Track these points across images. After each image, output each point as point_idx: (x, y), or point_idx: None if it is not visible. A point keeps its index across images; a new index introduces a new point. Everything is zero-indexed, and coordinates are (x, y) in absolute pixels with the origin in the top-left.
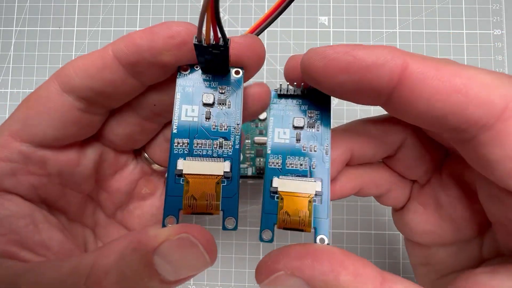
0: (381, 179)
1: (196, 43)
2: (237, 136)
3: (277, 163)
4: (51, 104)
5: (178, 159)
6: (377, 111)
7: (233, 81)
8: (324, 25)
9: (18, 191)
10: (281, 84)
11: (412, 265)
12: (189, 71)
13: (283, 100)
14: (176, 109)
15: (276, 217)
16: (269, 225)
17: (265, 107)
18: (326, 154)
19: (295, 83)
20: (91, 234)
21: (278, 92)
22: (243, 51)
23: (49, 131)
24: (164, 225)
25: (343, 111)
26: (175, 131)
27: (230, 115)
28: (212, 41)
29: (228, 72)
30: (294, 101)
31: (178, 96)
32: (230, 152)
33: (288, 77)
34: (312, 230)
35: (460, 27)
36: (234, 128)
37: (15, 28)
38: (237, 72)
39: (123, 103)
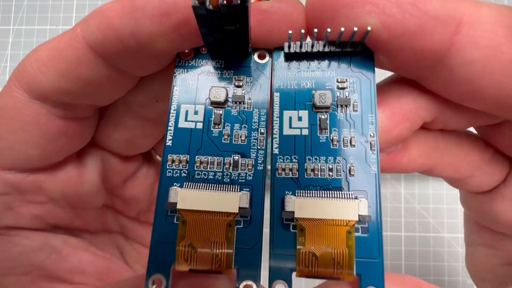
0: (465, 159)
1: (197, 5)
2: (260, 152)
3: (290, 171)
4: (22, 117)
5: (172, 186)
6: None
7: (256, 68)
8: None
9: (22, 225)
10: (290, 35)
11: (468, 243)
12: (192, 56)
13: (294, 64)
14: (171, 111)
15: (295, 260)
16: (284, 273)
17: (280, 38)
18: (371, 149)
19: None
20: (121, 237)
21: (286, 51)
22: (274, 22)
23: (32, 151)
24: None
25: None
26: (169, 143)
27: (251, 119)
28: (221, 1)
29: (248, 55)
30: (313, 63)
31: (175, 92)
32: (250, 176)
33: (315, 17)
34: (355, 277)
35: None
36: (257, 140)
37: (12, 27)
38: (261, 56)
39: (115, 99)
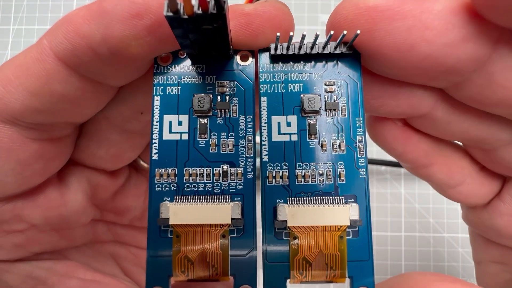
0: (459, 164)
1: (170, 14)
2: (249, 160)
3: (280, 178)
4: None
5: (162, 201)
6: None
7: (239, 71)
8: (325, 23)
9: (2, 258)
10: (278, 36)
11: (477, 261)
12: (171, 61)
13: (280, 66)
14: (154, 123)
15: (288, 268)
16: (278, 281)
17: (264, 41)
18: (360, 153)
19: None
20: (114, 245)
21: (273, 53)
22: (258, 26)
23: (6, 178)
24: None
25: None
26: (155, 157)
27: (237, 126)
28: (197, 9)
29: (230, 57)
30: (299, 65)
31: (156, 102)
32: (240, 185)
33: (346, 27)
34: (347, 280)
35: None
36: (245, 148)
37: (12, 27)
38: (244, 58)
39: (93, 114)
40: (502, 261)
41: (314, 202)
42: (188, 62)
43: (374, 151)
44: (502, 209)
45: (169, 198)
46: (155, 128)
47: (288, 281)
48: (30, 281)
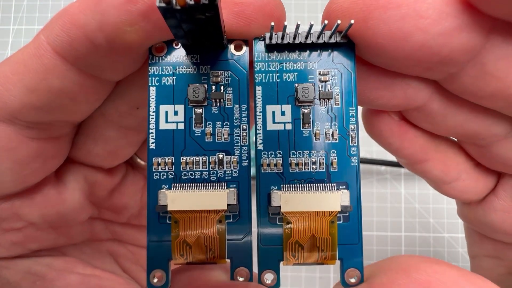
0: (455, 160)
1: (162, 5)
2: (244, 148)
3: (275, 166)
4: None
5: (160, 189)
6: None
7: (234, 61)
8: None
9: (1, 255)
10: (273, 26)
11: (472, 255)
12: (165, 51)
13: (275, 55)
14: (151, 113)
15: (282, 251)
16: (271, 263)
17: (257, 30)
18: (352, 142)
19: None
20: (112, 243)
21: (268, 42)
22: (251, 14)
23: (4, 177)
24: (149, 283)
25: None
26: (152, 146)
27: (232, 116)
28: (188, 0)
29: (224, 47)
30: (294, 55)
31: (152, 93)
32: (235, 173)
33: (342, 16)
34: (337, 262)
35: None
36: (239, 136)
37: (12, 27)
38: (238, 47)
39: (91, 111)
40: (496, 256)
41: (307, 188)
42: (182, 52)
43: (374, 151)
44: (497, 205)
45: (167, 186)
46: (152, 118)
47: (281, 263)
48: (30, 276)
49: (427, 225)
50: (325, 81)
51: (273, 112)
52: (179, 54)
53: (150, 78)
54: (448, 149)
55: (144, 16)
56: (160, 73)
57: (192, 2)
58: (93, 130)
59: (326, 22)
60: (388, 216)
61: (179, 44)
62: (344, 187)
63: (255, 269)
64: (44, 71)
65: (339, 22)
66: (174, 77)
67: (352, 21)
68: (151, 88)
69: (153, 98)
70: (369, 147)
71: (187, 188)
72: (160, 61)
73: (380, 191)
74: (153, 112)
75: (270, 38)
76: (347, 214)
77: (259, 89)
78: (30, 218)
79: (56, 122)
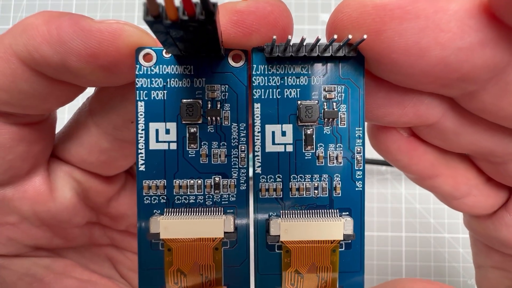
0: (465, 175)
1: (150, 19)
2: (242, 171)
3: (274, 191)
4: None
5: (152, 214)
6: None
7: (231, 74)
8: (326, 22)
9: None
10: (274, 40)
11: (478, 265)
12: (154, 61)
13: (276, 68)
14: (139, 131)
15: (280, 279)
16: None
17: (258, 40)
18: (358, 165)
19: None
20: (111, 249)
21: (268, 55)
22: (251, 24)
23: None
24: None
25: None
26: (142, 168)
27: (229, 135)
28: (182, 14)
29: (221, 57)
30: (297, 68)
31: (140, 108)
32: (233, 197)
33: (350, 28)
34: None
35: None
36: (237, 158)
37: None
38: (236, 58)
39: (70, 102)
40: (503, 268)
41: (308, 215)
42: (173, 62)
43: (375, 151)
44: (508, 220)
45: (159, 211)
46: (141, 137)
47: None
48: (27, 278)
49: (428, 225)
50: (331, 99)
51: (273, 132)
52: (170, 63)
53: (137, 92)
54: (459, 164)
55: (106, 70)
56: (149, 86)
57: (186, 18)
58: (87, 139)
59: (335, 36)
60: (388, 216)
61: (170, 54)
62: (347, 213)
63: None
64: (12, 74)
65: (350, 37)
66: (165, 91)
67: (365, 36)
68: (139, 103)
69: (141, 115)
70: (369, 146)
71: (181, 214)
72: (149, 72)
73: (381, 191)
74: (142, 130)
75: (271, 50)
76: (350, 241)
77: (257, 107)
78: (22, 211)
79: (33, 113)
